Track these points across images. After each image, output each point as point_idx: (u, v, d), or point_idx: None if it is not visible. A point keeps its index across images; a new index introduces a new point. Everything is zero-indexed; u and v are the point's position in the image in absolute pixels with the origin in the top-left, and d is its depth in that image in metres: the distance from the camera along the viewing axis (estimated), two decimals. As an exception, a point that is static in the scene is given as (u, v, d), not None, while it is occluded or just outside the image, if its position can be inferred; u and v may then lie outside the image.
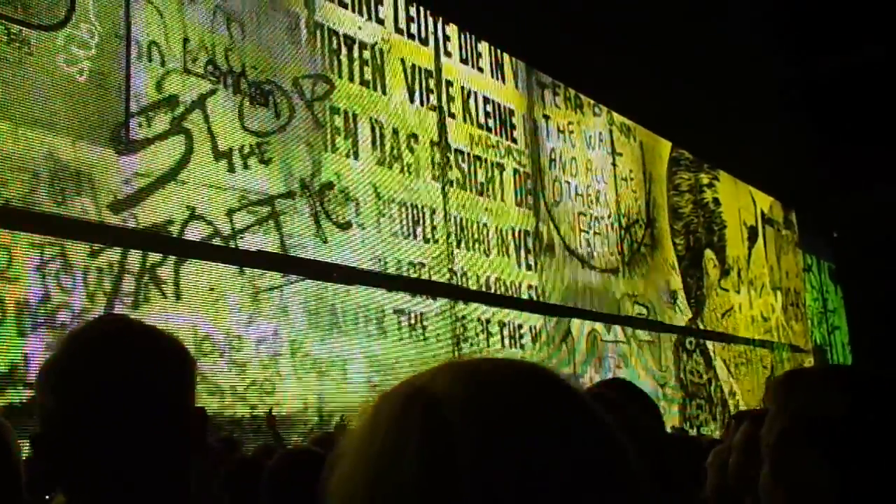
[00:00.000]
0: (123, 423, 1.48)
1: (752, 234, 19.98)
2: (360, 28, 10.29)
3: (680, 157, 17.42)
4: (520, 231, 12.39)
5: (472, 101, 11.98)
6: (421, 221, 10.57)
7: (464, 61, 12.04)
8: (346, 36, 10.07)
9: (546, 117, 13.67)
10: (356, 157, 9.86)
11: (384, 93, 10.45)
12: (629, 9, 12.40)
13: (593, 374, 13.11)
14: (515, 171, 12.57)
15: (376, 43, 10.50)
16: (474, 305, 11.13)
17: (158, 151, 7.77)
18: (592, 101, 14.91)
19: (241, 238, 8.36)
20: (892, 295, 21.53)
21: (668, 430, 11.45)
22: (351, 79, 10.04)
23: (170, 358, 1.60)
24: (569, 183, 13.89)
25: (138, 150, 7.61)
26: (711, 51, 13.80)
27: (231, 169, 8.42)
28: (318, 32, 9.74)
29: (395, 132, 10.47)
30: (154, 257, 7.55)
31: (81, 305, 6.92)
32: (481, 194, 11.76)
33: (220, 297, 8.02)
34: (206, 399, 7.52)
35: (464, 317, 10.92)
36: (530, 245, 12.57)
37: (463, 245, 11.21)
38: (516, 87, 13.11)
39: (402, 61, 10.85)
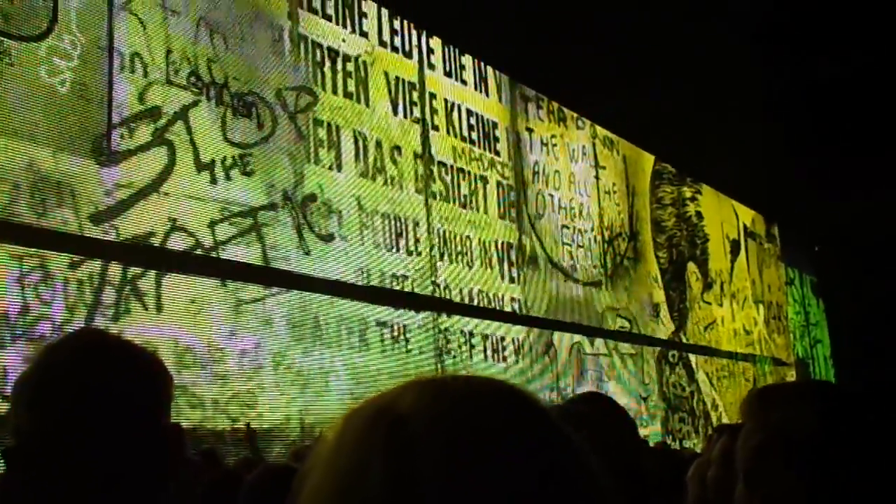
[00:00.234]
0: (98, 437, 1.48)
1: (735, 248, 20.04)
2: (343, 40, 10.30)
3: (663, 170, 17.47)
4: (503, 244, 12.40)
5: (455, 113, 12.00)
6: (404, 234, 10.57)
7: (447, 74, 12.07)
8: (329, 48, 10.08)
9: (529, 130, 13.70)
10: (339, 169, 9.85)
11: (368, 105, 10.46)
12: (613, 23, 12.44)
13: (576, 387, 13.11)
14: (499, 183, 12.59)
15: (360, 55, 10.51)
16: (457, 317, 11.13)
17: (140, 163, 7.75)
18: (576, 115, 14.95)
19: (223, 249, 8.34)
20: (873, 308, 21.62)
21: (652, 444, 11.46)
22: (334, 91, 10.05)
23: (145, 372, 1.60)
24: (552, 196, 13.91)
25: (120, 162, 7.58)
26: (693, 65, 13.85)
27: (213, 180, 8.41)
28: (302, 44, 9.74)
29: (379, 144, 10.47)
30: (135, 269, 7.52)
31: (61, 317, 6.89)
32: (465, 207, 11.77)
33: (202, 308, 8.00)
34: (187, 411, 7.49)
35: (447, 329, 10.91)
36: (513, 258, 12.58)
37: (446, 257, 11.22)
38: (500, 100, 13.14)
39: (386, 74, 10.86)
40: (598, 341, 14.17)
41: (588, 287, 14.30)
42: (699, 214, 18.48)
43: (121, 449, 1.50)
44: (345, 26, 10.39)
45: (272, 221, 8.90)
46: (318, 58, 9.93)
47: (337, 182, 9.77)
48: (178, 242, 7.94)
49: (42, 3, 7.17)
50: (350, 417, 0.95)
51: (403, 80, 11.13)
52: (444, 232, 11.27)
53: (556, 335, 13.10)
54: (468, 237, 11.68)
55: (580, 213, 14.59)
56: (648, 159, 17.11)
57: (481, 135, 12.46)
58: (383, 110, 10.68)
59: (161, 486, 1.57)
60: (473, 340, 11.34)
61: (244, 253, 8.53)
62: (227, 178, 8.54)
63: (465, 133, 12.12)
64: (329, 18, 10.18)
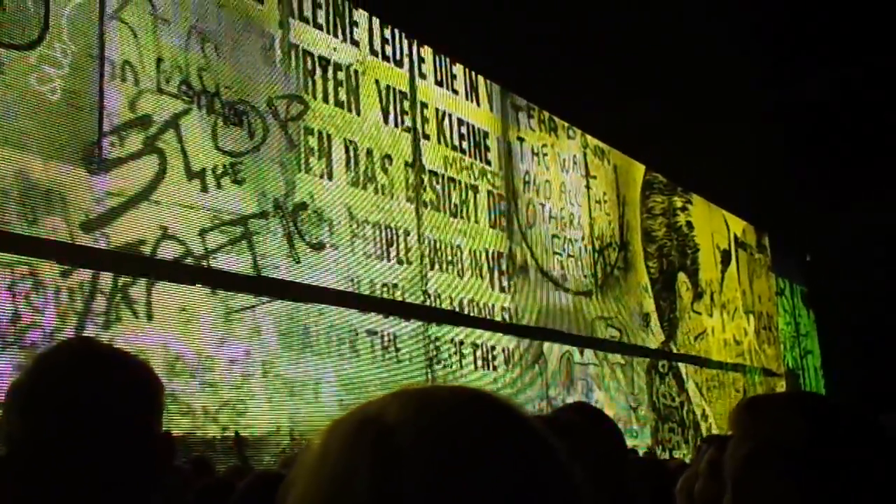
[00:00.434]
0: (89, 445, 1.48)
1: (725, 258, 20.07)
2: (334, 49, 10.31)
3: (653, 180, 17.50)
4: (493, 253, 12.41)
5: (446, 122, 12.02)
6: (395, 243, 10.57)
7: (439, 83, 12.08)
8: (320, 57, 10.09)
9: (520, 139, 13.71)
10: (330, 177, 9.85)
11: (358, 114, 10.46)
12: (604, 33, 12.47)
13: (566, 397, 13.11)
14: (489, 193, 12.60)
15: (351, 64, 10.52)
16: (447, 327, 11.12)
17: (131, 171, 7.74)
18: (567, 124, 14.97)
19: (214, 258, 8.33)
20: (864, 319, 21.68)
21: (641, 453, 11.47)
22: (325, 100, 10.05)
23: (137, 380, 1.60)
24: (543, 205, 13.92)
25: (111, 170, 7.57)
26: (685, 75, 13.88)
27: (204, 189, 8.40)
28: (293, 53, 9.75)
29: (370, 153, 10.48)
30: (126, 277, 7.51)
31: (52, 325, 6.87)
32: (455, 216, 11.77)
33: (192, 317, 7.98)
34: (177, 419, 7.48)
35: (437, 338, 10.91)
36: (504, 267, 12.59)
37: (437, 267, 11.22)
38: (491, 109, 13.15)
39: (377, 83, 10.87)
40: (588, 351, 14.18)
41: (578, 296, 14.31)
42: (690, 224, 18.51)
43: (112, 457, 1.50)
44: (336, 35, 10.40)
45: (263, 230, 8.89)
46: (310, 66, 9.94)
47: (328, 191, 9.77)
48: (168, 251, 7.93)
49: (33, 11, 7.16)
50: (336, 427, 0.95)
51: (394, 89, 11.14)
52: (435, 241, 11.27)
53: (546, 344, 13.11)
54: (459, 246, 11.69)
55: (571, 222, 14.61)
56: (639, 169, 17.14)
57: (472, 144, 12.47)
58: (374, 119, 10.69)
59: (151, 494, 1.57)
60: (464, 350, 11.34)
61: (235, 261, 8.52)
62: (218, 186, 8.54)
63: (456, 142, 12.13)
64: (320, 27, 10.19)
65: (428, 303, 10.90)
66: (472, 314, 11.68)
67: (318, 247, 9.49)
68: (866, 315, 21.62)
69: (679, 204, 18.29)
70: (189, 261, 8.10)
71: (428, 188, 11.35)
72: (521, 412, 0.97)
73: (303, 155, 9.58)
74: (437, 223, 11.36)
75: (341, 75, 10.35)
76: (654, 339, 16.36)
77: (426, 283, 10.93)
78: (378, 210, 10.39)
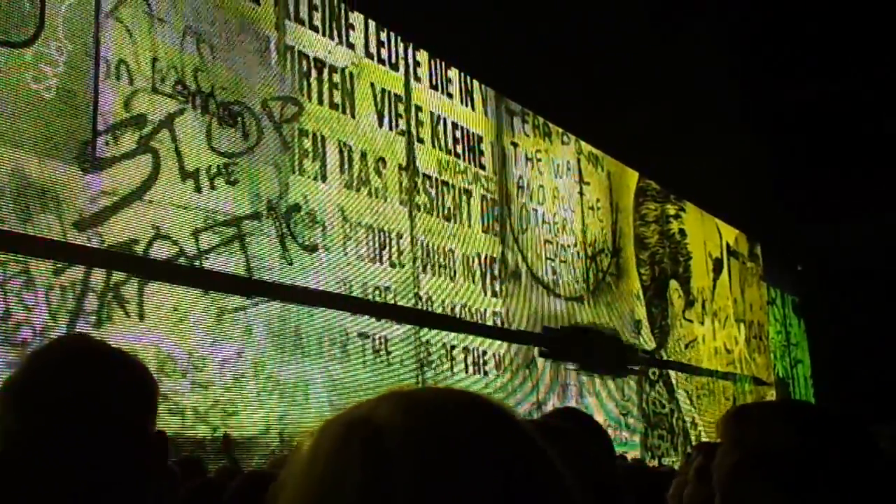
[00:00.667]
0: (84, 443, 1.47)
1: (717, 266, 20.09)
2: (330, 52, 10.31)
3: (647, 187, 17.52)
4: (486, 257, 12.41)
5: (440, 126, 12.02)
6: (387, 246, 10.57)
7: (434, 87, 12.08)
8: (316, 59, 10.09)
9: (514, 144, 13.72)
10: (324, 179, 9.85)
11: (353, 116, 10.46)
12: (598, 39, 12.50)
13: (556, 402, 13.10)
14: (483, 197, 12.60)
15: (346, 67, 10.52)
16: (439, 330, 11.12)
17: (125, 170, 7.73)
18: (561, 130, 14.98)
19: (207, 258, 8.33)
20: (854, 329, 21.72)
21: (630, 461, 11.46)
22: (320, 102, 10.05)
23: (132, 379, 1.60)
24: (536, 210, 13.93)
25: (105, 169, 7.56)
26: (679, 83, 13.92)
27: (198, 189, 8.39)
28: (289, 55, 9.75)
29: (364, 156, 10.48)
30: (118, 276, 7.50)
31: (43, 323, 6.86)
32: (448, 220, 11.77)
33: (184, 317, 7.97)
34: (168, 419, 7.47)
35: (428, 342, 10.91)
36: (496, 271, 12.59)
37: (429, 270, 11.22)
38: (485, 113, 13.16)
39: (372, 85, 10.87)
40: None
41: (570, 302, 14.32)
42: (682, 232, 18.52)
43: (108, 455, 1.50)
44: (331, 37, 10.40)
45: (256, 231, 8.88)
46: (305, 68, 9.94)
47: (321, 193, 9.77)
48: (161, 250, 7.92)
49: (29, 9, 7.15)
50: (326, 428, 0.96)
51: (389, 92, 11.14)
52: (428, 244, 11.27)
53: (537, 349, 13.11)
54: (451, 250, 11.69)
55: (564, 228, 14.61)
56: (633, 176, 17.16)
57: (466, 148, 12.47)
58: (369, 122, 10.69)
59: (146, 493, 1.57)
60: (455, 353, 11.34)
61: (227, 262, 8.52)
62: (212, 186, 8.53)
63: (451, 146, 12.14)
64: (316, 29, 10.19)
65: (420, 306, 10.89)
66: (464, 318, 11.67)
67: (311, 249, 9.49)
68: (857, 325, 21.67)
69: (672, 211, 18.31)
70: (182, 261, 8.09)
71: (421, 191, 11.35)
72: (511, 414, 0.97)
73: (297, 157, 9.58)
74: (430, 227, 11.36)
75: (336, 77, 10.35)
76: (646, 345, 16.36)
77: (418, 287, 10.93)
78: (371, 213, 10.39)
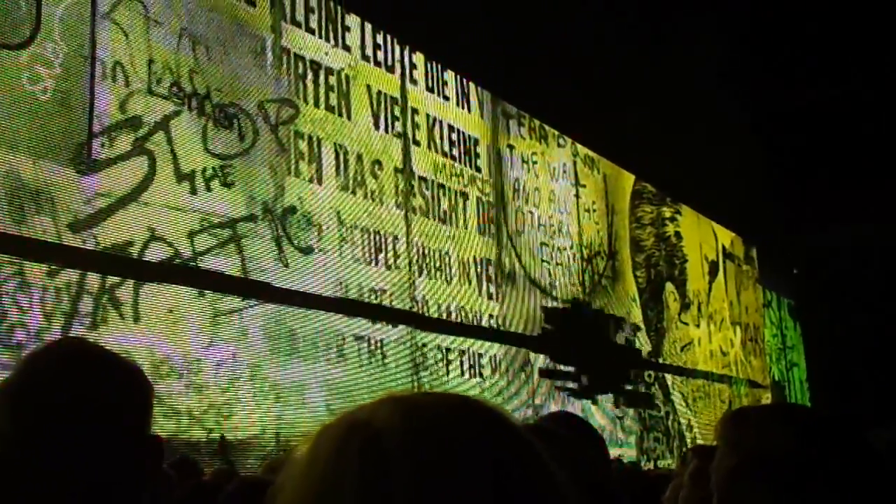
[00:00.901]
0: (79, 446, 1.47)
1: (713, 269, 20.10)
2: (326, 54, 10.31)
3: (643, 190, 17.53)
4: (482, 260, 12.41)
5: (437, 129, 12.02)
6: (383, 248, 10.56)
7: (430, 89, 12.08)
8: (312, 61, 10.09)
9: (510, 147, 13.73)
10: (320, 182, 9.85)
11: (349, 118, 10.46)
12: (595, 42, 12.51)
13: (552, 405, 13.11)
14: (479, 199, 12.61)
15: (342, 69, 10.52)
16: (435, 333, 11.12)
17: (120, 172, 7.72)
18: (557, 133, 14.99)
19: (202, 260, 8.32)
20: (850, 332, 21.74)
21: (626, 464, 11.45)
22: (316, 104, 10.05)
23: (128, 382, 1.60)
24: (532, 213, 13.94)
25: (100, 171, 7.55)
26: (676, 86, 13.93)
27: (193, 191, 8.38)
28: (285, 57, 9.74)
29: (360, 158, 10.48)
30: (113, 278, 7.49)
31: (38, 325, 6.85)
32: (444, 222, 11.77)
33: (179, 319, 7.97)
34: (162, 421, 7.46)
35: (424, 344, 10.90)
36: (492, 274, 12.59)
37: (425, 273, 11.21)
38: (481, 116, 13.16)
39: (368, 88, 10.87)
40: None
41: (566, 304, 14.32)
42: (678, 235, 18.54)
43: (102, 458, 1.49)
44: (328, 40, 10.40)
45: (251, 233, 8.88)
46: (301, 70, 9.94)
47: (317, 195, 9.77)
48: (156, 252, 7.91)
49: (25, 10, 7.15)
50: (324, 432, 0.96)
51: (385, 95, 11.14)
52: (424, 247, 11.27)
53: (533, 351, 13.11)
54: (447, 253, 11.69)
55: (559, 230, 14.62)
56: (628, 178, 17.17)
57: (462, 151, 12.47)
58: (365, 124, 10.69)
59: (141, 496, 1.56)
60: (450, 356, 11.33)
61: (223, 264, 8.51)
62: (208, 188, 8.52)
63: (447, 149, 12.14)
64: (312, 31, 10.19)
65: (415, 309, 10.89)
66: (460, 321, 11.67)
67: (307, 251, 9.48)
68: (853, 328, 21.69)
69: (668, 214, 18.32)
70: (177, 263, 8.08)
71: (417, 194, 11.35)
72: (507, 417, 0.97)
73: (293, 159, 9.57)
74: (425, 229, 11.36)
75: (332, 80, 10.35)
76: (641, 348, 16.36)
77: (414, 289, 10.93)
78: (367, 215, 10.39)
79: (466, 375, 11.57)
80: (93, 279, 7.33)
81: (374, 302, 10.25)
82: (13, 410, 1.51)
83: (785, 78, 14.97)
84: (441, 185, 11.85)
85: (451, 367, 11.29)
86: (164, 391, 7.57)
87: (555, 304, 13.97)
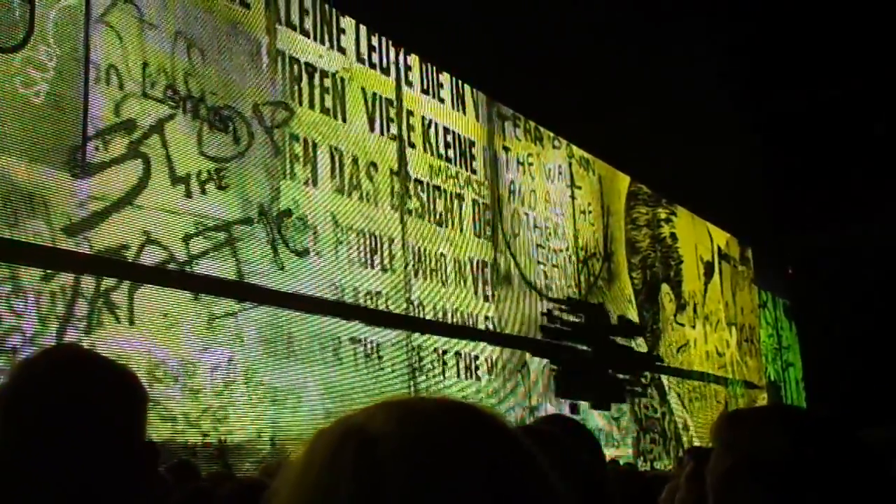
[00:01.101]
0: (73, 452, 1.47)
1: (709, 270, 20.12)
2: (321, 56, 10.31)
3: (638, 191, 17.55)
4: (478, 262, 12.41)
5: (432, 131, 12.02)
6: (379, 250, 10.56)
7: (425, 91, 12.08)
8: (307, 64, 10.08)
9: (506, 149, 13.73)
10: (315, 184, 9.84)
11: (344, 121, 10.46)
12: (590, 43, 12.51)
13: (548, 407, 13.12)
14: (475, 201, 12.60)
15: (337, 71, 10.51)
16: (430, 335, 11.11)
17: (115, 175, 7.71)
18: (552, 134, 15.00)
19: (197, 264, 8.31)
20: (845, 333, 21.76)
21: (622, 465, 11.46)
22: (311, 106, 10.04)
23: (122, 388, 1.60)
24: (527, 215, 13.94)
25: (94, 174, 7.54)
26: (670, 87, 13.94)
27: (188, 194, 8.37)
28: (280, 59, 9.74)
29: (355, 160, 10.47)
30: (108, 281, 7.48)
31: (33, 329, 6.84)
32: (440, 224, 11.77)
33: (175, 322, 7.95)
34: (158, 425, 7.45)
35: (420, 346, 10.90)
36: (488, 276, 12.59)
37: (420, 275, 11.21)
38: (477, 118, 13.16)
39: (363, 90, 10.87)
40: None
41: (561, 305, 14.32)
42: (674, 236, 18.55)
43: (96, 464, 1.49)
44: (323, 42, 10.40)
45: (247, 236, 8.87)
46: (296, 73, 9.93)
47: (312, 198, 9.76)
48: (151, 256, 7.90)
49: (18, 13, 7.13)
50: (319, 437, 0.96)
51: (381, 97, 11.14)
52: (419, 249, 11.27)
53: (529, 353, 13.12)
54: (443, 255, 11.69)
55: (555, 232, 14.63)
56: (624, 180, 17.18)
57: (458, 152, 12.48)
58: (360, 126, 10.68)
59: (136, 501, 1.56)
60: (446, 358, 11.33)
61: (218, 267, 8.50)
62: (203, 192, 8.51)
63: (442, 150, 12.14)
64: (307, 34, 10.19)
65: (411, 311, 10.89)
66: (456, 323, 11.67)
67: (303, 253, 9.48)
68: (848, 329, 21.71)
69: (663, 215, 18.34)
70: (172, 266, 8.07)
71: (413, 196, 11.34)
72: (503, 423, 0.97)
73: (288, 161, 9.57)
74: (421, 231, 11.36)
75: (327, 82, 10.34)
76: (637, 349, 16.37)
77: (410, 292, 10.93)
78: (363, 217, 10.38)
79: (463, 377, 11.57)
80: (87, 283, 7.32)
81: (370, 305, 10.24)
82: (7, 416, 1.50)
83: (780, 79, 14.98)
84: (437, 188, 11.84)
85: (447, 369, 11.29)
86: (159, 395, 7.56)
87: (551, 304, 13.97)
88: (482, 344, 12.09)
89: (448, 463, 0.89)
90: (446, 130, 12.32)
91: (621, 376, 15.43)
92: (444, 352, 11.32)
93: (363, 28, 11.06)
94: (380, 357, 10.21)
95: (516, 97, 13.69)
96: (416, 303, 11.00)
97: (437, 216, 11.76)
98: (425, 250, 11.37)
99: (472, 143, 12.85)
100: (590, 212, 15.84)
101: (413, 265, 11.10)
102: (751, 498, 1.62)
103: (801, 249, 22.62)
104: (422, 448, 0.90)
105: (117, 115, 7.81)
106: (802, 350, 24.82)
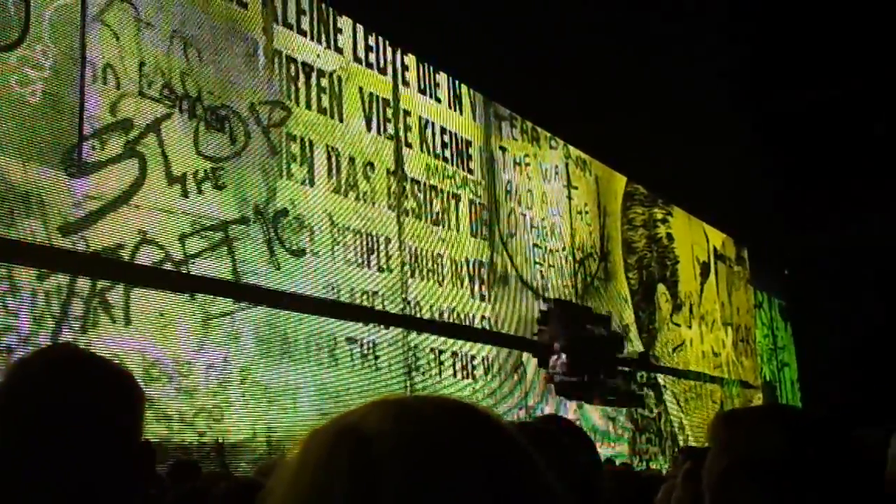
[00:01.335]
0: (69, 452, 1.46)
1: (705, 270, 20.13)
2: (318, 56, 10.30)
3: (634, 191, 17.55)
4: (474, 262, 12.40)
5: (429, 131, 12.01)
6: (375, 250, 10.55)
7: (422, 91, 12.08)
8: (304, 63, 10.07)
9: (503, 149, 13.73)
10: (311, 184, 9.83)
11: (341, 120, 10.45)
12: (587, 43, 12.51)
13: (545, 407, 13.12)
14: (471, 201, 12.60)
15: (334, 71, 10.51)
16: (426, 334, 11.10)
17: (111, 175, 7.70)
18: (549, 134, 15.00)
19: (193, 263, 8.30)
20: (840, 333, 21.79)
21: (618, 465, 11.47)
22: (308, 106, 10.03)
23: (118, 388, 1.59)
24: (524, 215, 13.94)
25: (90, 173, 7.53)
26: (667, 87, 13.93)
27: (185, 194, 8.36)
28: (276, 59, 9.73)
29: (352, 160, 10.46)
30: (104, 281, 7.46)
31: (28, 329, 6.82)
32: (437, 224, 11.77)
33: (170, 322, 7.94)
34: (154, 425, 7.44)
35: (416, 346, 10.89)
36: (484, 276, 12.59)
37: (417, 275, 11.21)
38: (474, 118, 13.16)
39: (360, 90, 10.86)
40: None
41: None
42: (670, 236, 18.56)
43: (93, 465, 1.49)
44: (320, 42, 10.39)
45: (243, 236, 8.86)
46: (293, 72, 9.92)
47: (309, 197, 9.75)
48: (147, 255, 7.88)
49: (14, 12, 7.12)
50: (314, 436, 0.95)
51: (377, 97, 11.13)
52: (416, 249, 11.26)
53: (525, 354, 13.11)
54: (440, 255, 11.68)
55: (552, 232, 14.63)
56: (620, 180, 17.19)
57: (454, 152, 12.47)
58: (357, 126, 10.68)
59: (132, 501, 1.56)
60: (443, 358, 11.33)
61: (214, 267, 8.49)
62: (199, 191, 8.50)
63: (439, 150, 12.13)
64: (304, 34, 10.18)
65: (408, 311, 10.88)
66: (452, 322, 11.67)
67: (299, 253, 9.47)
68: (843, 329, 21.74)
69: (659, 216, 18.34)
70: (168, 266, 8.06)
71: (410, 196, 11.34)
72: (499, 422, 0.97)
73: (284, 161, 9.56)
74: (418, 231, 11.35)
75: (324, 82, 10.33)
76: (634, 349, 16.38)
77: (406, 292, 10.92)
78: (359, 217, 10.38)
79: (459, 377, 11.57)
80: (83, 283, 7.31)
81: (367, 304, 10.24)
82: (2, 416, 1.50)
83: (776, 79, 14.99)
84: (433, 187, 11.84)
85: (443, 369, 11.28)
86: (155, 395, 7.55)
87: (547, 304, 13.98)
88: (479, 344, 12.08)
89: (445, 462, 0.89)
90: (443, 130, 12.32)
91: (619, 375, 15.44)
92: (441, 352, 11.32)
93: (360, 28, 11.05)
94: (376, 357, 10.20)
95: (513, 97, 13.69)
96: (412, 303, 10.99)
97: (434, 216, 11.75)
98: (422, 250, 11.37)
99: (468, 143, 12.85)
100: (586, 212, 15.85)
101: (410, 265, 11.09)
102: (747, 497, 1.62)
103: (797, 250, 22.64)
104: (418, 447, 0.90)
105: (113, 115, 7.80)
106: (798, 350, 24.85)
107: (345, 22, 10.83)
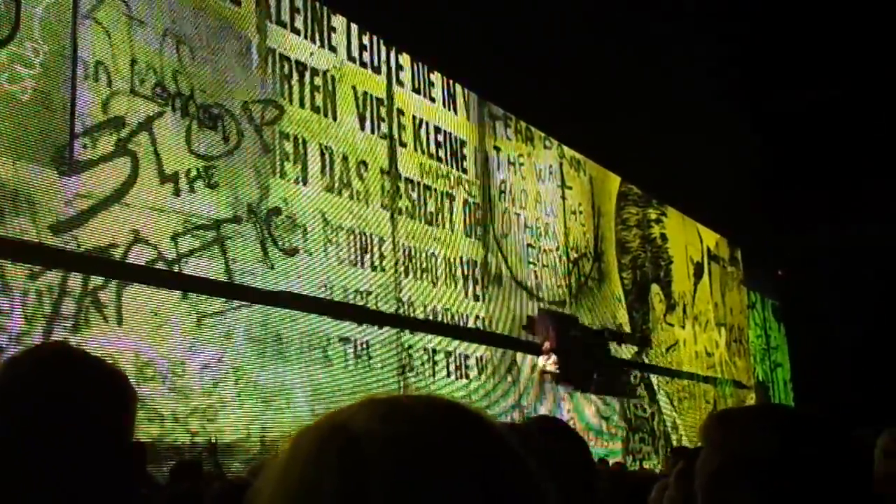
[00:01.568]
0: (60, 451, 1.45)
1: (698, 271, 20.16)
2: (312, 54, 10.28)
3: (628, 192, 17.57)
4: (468, 261, 12.40)
5: (423, 130, 12.00)
6: (369, 249, 10.54)
7: (416, 91, 12.06)
8: (297, 62, 10.06)
9: (497, 149, 13.72)
10: (305, 182, 9.82)
11: (335, 119, 10.43)
12: (581, 45, 12.52)
13: (538, 406, 13.12)
14: (465, 201, 12.59)
15: (328, 70, 10.49)
16: (420, 334, 11.10)
17: (102, 173, 7.67)
18: (543, 134, 15.00)
19: (186, 262, 8.28)
20: (833, 333, 21.85)
21: (612, 465, 11.47)
22: (301, 104, 10.02)
23: (110, 387, 1.58)
24: (518, 215, 13.94)
25: (82, 172, 7.50)
26: (662, 88, 13.95)
27: (177, 192, 8.34)
28: (270, 58, 9.71)
29: (345, 159, 10.45)
30: (96, 280, 7.44)
31: (20, 328, 6.80)
32: (430, 224, 11.76)
33: (164, 321, 7.92)
34: (146, 425, 7.42)
35: (410, 346, 10.88)
36: (478, 276, 12.58)
37: (411, 274, 11.19)
38: (468, 117, 13.15)
39: (354, 88, 10.84)
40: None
41: (552, 306, 14.32)
42: (664, 236, 18.59)
43: (84, 464, 1.47)
44: (313, 40, 10.37)
45: (236, 234, 8.84)
46: (286, 71, 9.90)
47: (302, 196, 9.73)
48: (140, 254, 7.86)
49: (3, 9, 7.09)
50: (303, 435, 0.94)
51: (371, 96, 11.11)
52: (410, 248, 11.25)
53: (519, 353, 13.11)
54: (433, 254, 11.67)
55: (546, 232, 14.63)
56: (614, 180, 17.20)
57: (449, 152, 12.46)
58: (350, 125, 10.66)
59: (124, 500, 1.55)
60: (436, 357, 11.32)
61: (207, 266, 8.47)
62: (191, 190, 8.48)
63: (433, 150, 12.12)
64: (298, 32, 10.16)
65: (401, 310, 10.87)
66: (446, 322, 11.66)
67: (292, 252, 9.45)
68: (836, 329, 21.80)
69: (653, 216, 18.37)
70: (160, 265, 8.04)
71: (403, 195, 11.33)
72: (489, 421, 0.96)
73: (277, 160, 9.54)
74: (411, 231, 11.34)
75: (318, 80, 10.31)
76: (627, 349, 16.39)
77: (400, 291, 10.91)
78: (353, 216, 10.36)
79: (453, 377, 11.56)
80: (75, 281, 7.28)
81: (360, 304, 10.22)
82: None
83: (771, 81, 15.02)
84: (427, 187, 11.83)
85: (437, 369, 11.28)
86: (147, 394, 7.53)
87: (541, 304, 13.98)
88: (472, 344, 12.08)
89: (435, 460, 0.88)
90: (437, 130, 12.31)
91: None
92: (434, 351, 11.31)
93: (354, 27, 11.04)
94: (370, 356, 10.19)
95: (507, 97, 13.69)
96: (406, 302, 10.98)
97: (428, 216, 11.74)
98: (416, 250, 11.36)
99: (462, 143, 12.84)
100: (580, 212, 15.85)
101: (403, 264, 11.08)
102: (740, 497, 1.61)
103: (790, 251, 22.70)
104: (408, 445, 0.89)
105: (105, 113, 7.78)
106: (791, 351, 24.91)
107: (339, 20, 10.81)
